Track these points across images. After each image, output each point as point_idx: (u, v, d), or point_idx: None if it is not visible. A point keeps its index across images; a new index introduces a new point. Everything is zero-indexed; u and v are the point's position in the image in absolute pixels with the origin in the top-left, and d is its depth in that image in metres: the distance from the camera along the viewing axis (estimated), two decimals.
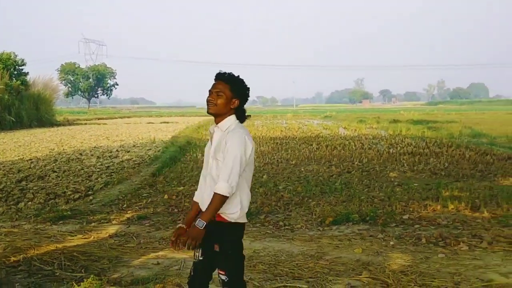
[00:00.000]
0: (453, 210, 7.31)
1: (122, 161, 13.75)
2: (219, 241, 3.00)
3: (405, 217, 6.94)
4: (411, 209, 7.43)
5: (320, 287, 4.43)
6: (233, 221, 3.02)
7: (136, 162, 13.50)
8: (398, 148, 16.26)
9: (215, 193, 2.88)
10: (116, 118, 54.58)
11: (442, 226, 6.46)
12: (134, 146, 18.36)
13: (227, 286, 3.05)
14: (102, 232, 6.52)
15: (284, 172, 11.52)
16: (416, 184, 9.45)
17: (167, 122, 40.16)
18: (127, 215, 7.51)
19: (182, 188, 9.56)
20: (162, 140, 20.56)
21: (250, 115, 3.15)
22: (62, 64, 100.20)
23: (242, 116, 3.09)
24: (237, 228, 3.08)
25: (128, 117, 57.85)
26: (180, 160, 14.13)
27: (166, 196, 8.79)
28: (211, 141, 3.09)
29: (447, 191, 8.59)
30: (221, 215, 2.98)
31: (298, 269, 4.92)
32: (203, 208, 3.00)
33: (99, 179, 10.80)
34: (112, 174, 11.52)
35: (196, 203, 3.18)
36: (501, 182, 9.65)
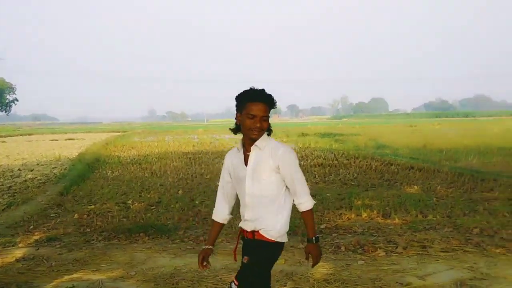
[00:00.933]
0: (367, 218, 7.56)
1: (26, 181, 12.96)
2: (254, 254, 2.94)
3: (322, 226, 7.08)
4: (327, 218, 7.59)
5: None
6: (274, 239, 2.93)
7: (41, 181, 12.78)
8: (309, 160, 16.66)
9: (303, 212, 2.94)
10: (16, 135, 51.42)
11: (359, 234, 6.65)
12: (37, 164, 17.40)
13: None
14: (8, 256, 6.04)
15: (199, 186, 11.38)
16: (328, 194, 9.68)
17: (73, 139, 38.59)
18: (35, 237, 7.03)
19: (93, 206, 9.14)
20: (68, 158, 19.67)
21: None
22: None
23: (270, 130, 3.01)
24: (278, 247, 2.99)
25: (29, 134, 54.72)
26: (89, 177, 13.53)
27: (76, 216, 8.35)
28: (245, 162, 2.96)
29: (359, 200, 8.89)
30: (264, 234, 2.92)
31: (223, 283, 4.83)
32: (246, 227, 3.00)
33: (0, 200, 10.06)
34: (15, 194, 10.80)
35: (218, 223, 3.18)
36: (407, 190, 10.14)
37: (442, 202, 8.67)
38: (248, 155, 2.93)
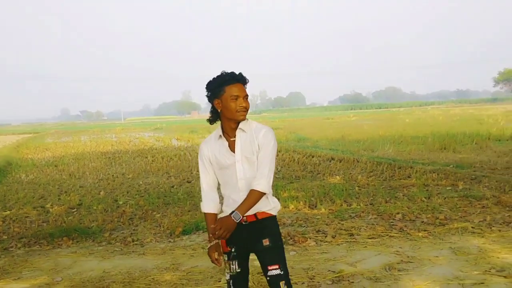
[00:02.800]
0: (294, 210, 7.66)
1: None
2: (269, 235, 2.86)
3: None
4: None
5: None
6: (275, 213, 2.93)
7: None
8: None
9: (254, 190, 2.77)
10: None
11: (288, 225, 6.72)
12: None
13: (283, 279, 2.82)
14: None
15: (122, 186, 11.05)
16: None
17: None
18: None
19: (8, 212, 8.61)
20: None
21: None
22: None
23: None
24: (276, 220, 2.97)
25: None
26: (1, 182, 12.75)
27: None
28: (230, 147, 2.83)
29: (285, 192, 8.99)
30: (266, 211, 2.86)
31: (155, 283, 4.70)
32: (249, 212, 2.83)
33: None
34: None
35: (213, 214, 2.91)
36: (330, 180, 10.39)
37: (364, 190, 8.96)
38: (232, 141, 2.84)
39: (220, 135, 2.86)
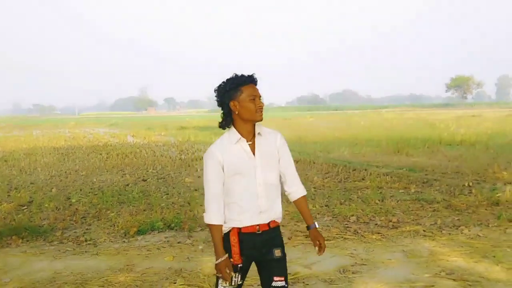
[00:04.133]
0: None
1: None
2: (280, 245, 2.78)
3: None
4: None
5: None
6: (280, 222, 2.86)
7: None
8: (189, 154, 16.62)
9: (304, 196, 2.88)
10: None
11: None
12: None
13: None
14: None
15: (75, 184, 10.79)
16: None
17: None
18: None
19: None
20: None
21: None
22: None
23: None
24: None
25: None
26: None
27: None
28: (253, 152, 2.71)
29: None
30: (276, 219, 2.78)
31: (109, 285, 4.61)
32: (261, 220, 2.71)
33: None
34: None
35: (220, 226, 2.68)
36: None
37: (320, 192, 9.06)
38: (251, 144, 2.72)
39: (240, 138, 2.69)
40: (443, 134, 20.83)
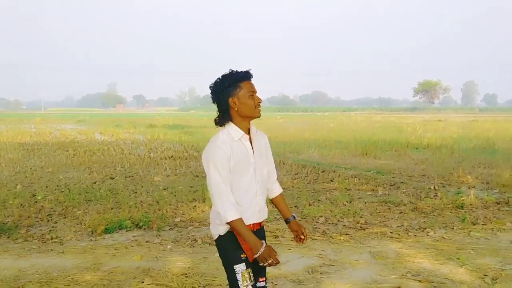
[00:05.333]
0: None
1: None
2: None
3: (177, 220, 7.01)
4: (181, 211, 7.54)
5: None
6: None
7: None
8: (159, 152, 16.48)
9: (282, 193, 2.93)
10: None
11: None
12: None
13: None
14: None
15: (40, 180, 10.58)
16: (181, 187, 9.62)
17: None
18: None
19: None
20: None
21: None
22: None
23: None
24: None
25: None
26: None
27: None
28: (252, 149, 2.68)
29: None
30: (264, 218, 2.81)
31: (75, 284, 4.53)
32: (260, 218, 2.75)
33: None
34: None
35: (242, 219, 2.57)
36: None
37: (289, 192, 9.11)
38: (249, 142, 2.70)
39: (243, 135, 2.63)
40: (410, 138, 21.24)
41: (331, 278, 4.72)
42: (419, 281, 4.62)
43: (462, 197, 8.23)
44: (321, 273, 4.84)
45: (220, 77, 2.62)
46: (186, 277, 4.68)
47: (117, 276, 4.76)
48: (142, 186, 9.80)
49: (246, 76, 2.62)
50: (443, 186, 9.70)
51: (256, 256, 2.53)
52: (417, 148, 17.77)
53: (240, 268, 2.62)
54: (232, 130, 2.63)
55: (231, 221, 2.53)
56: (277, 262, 2.55)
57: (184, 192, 9.13)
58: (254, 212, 2.68)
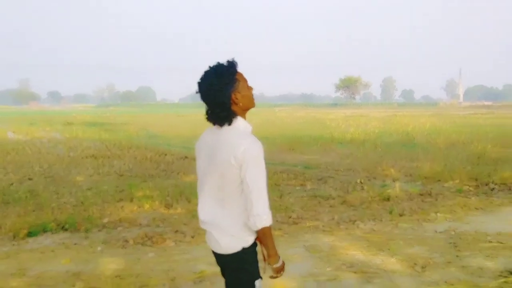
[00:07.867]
0: (150, 209, 7.45)
1: None
2: None
3: (105, 220, 6.74)
4: (108, 212, 7.25)
5: None
6: None
7: None
8: (79, 151, 15.85)
9: None
10: None
11: (144, 226, 6.52)
12: None
13: None
14: None
15: None
16: (106, 187, 9.28)
17: None
18: None
19: None
20: None
21: None
22: None
23: None
24: None
25: None
26: None
27: None
28: None
29: (139, 191, 8.71)
30: None
31: None
32: None
33: None
34: None
35: None
36: (184, 179, 10.32)
37: None
38: None
39: (251, 129, 2.44)
40: (334, 133, 21.81)
41: (268, 273, 4.70)
42: (354, 272, 4.71)
43: (387, 189, 8.53)
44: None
45: (214, 75, 2.34)
46: (120, 278, 4.50)
47: (45, 281, 4.49)
48: (64, 187, 9.34)
49: (235, 66, 2.40)
50: (369, 180, 10.01)
51: (275, 266, 2.44)
52: (341, 143, 18.26)
53: (259, 283, 2.48)
54: (246, 124, 2.43)
55: (269, 226, 2.39)
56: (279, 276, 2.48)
57: (110, 192, 8.80)
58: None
